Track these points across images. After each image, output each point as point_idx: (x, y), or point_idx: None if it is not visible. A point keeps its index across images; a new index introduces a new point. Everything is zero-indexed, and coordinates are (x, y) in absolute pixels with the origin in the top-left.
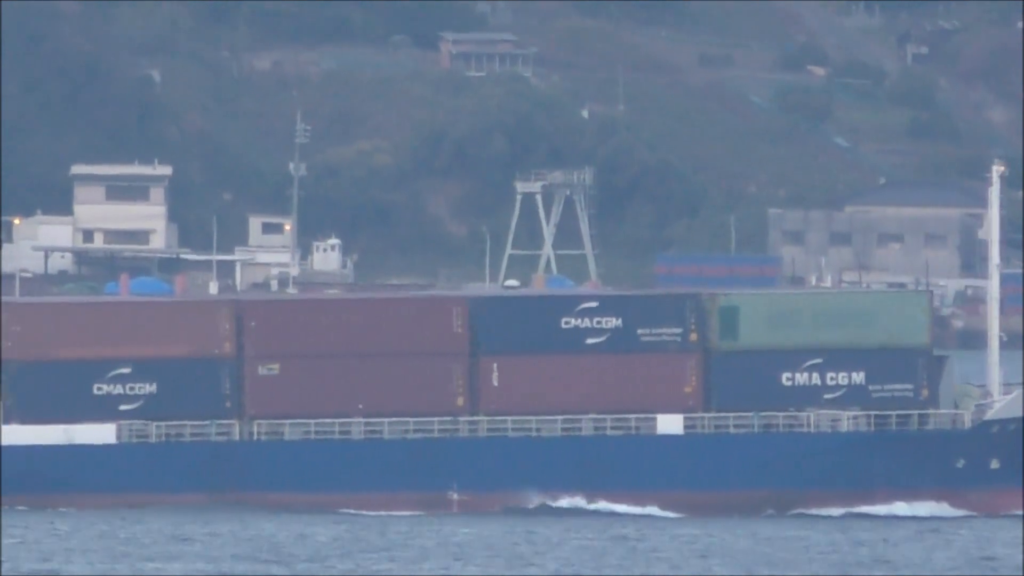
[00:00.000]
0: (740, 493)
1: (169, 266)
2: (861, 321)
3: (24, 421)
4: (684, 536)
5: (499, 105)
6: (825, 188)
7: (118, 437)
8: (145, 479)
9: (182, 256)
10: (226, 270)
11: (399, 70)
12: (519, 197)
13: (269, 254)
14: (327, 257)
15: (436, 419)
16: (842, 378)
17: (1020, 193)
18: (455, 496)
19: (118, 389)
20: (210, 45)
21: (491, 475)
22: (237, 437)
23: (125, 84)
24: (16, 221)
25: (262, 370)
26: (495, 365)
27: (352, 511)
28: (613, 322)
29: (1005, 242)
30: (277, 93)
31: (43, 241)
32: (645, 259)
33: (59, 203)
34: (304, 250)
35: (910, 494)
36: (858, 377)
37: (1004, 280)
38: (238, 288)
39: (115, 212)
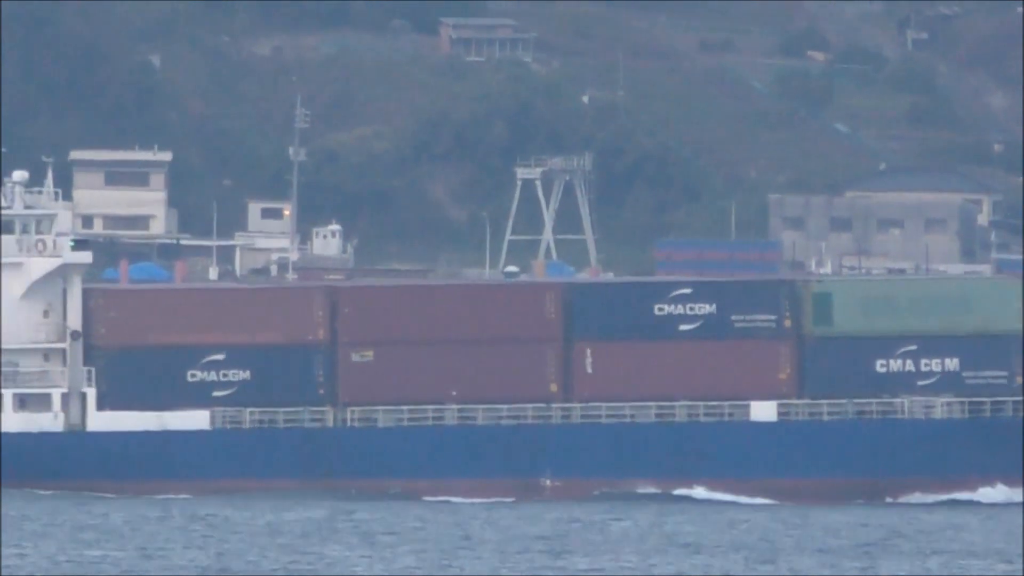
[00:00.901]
0: (833, 480)
1: (169, 252)
2: (955, 308)
3: (117, 408)
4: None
5: (499, 90)
6: (825, 173)
7: (212, 423)
8: (238, 465)
9: (182, 242)
10: (226, 255)
11: (399, 55)
12: (519, 182)
13: (269, 239)
14: (327, 242)
15: (529, 405)
16: (936, 365)
17: (1020, 179)
18: (548, 482)
19: (212, 376)
20: (210, 30)
21: (584, 461)
22: (330, 424)
23: (125, 69)
24: None
25: (355, 357)
26: (589, 351)
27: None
28: (706, 308)
29: (1005, 228)
30: (277, 78)
31: None
32: (645, 244)
33: (59, 188)
34: (304, 235)
35: (1006, 481)
36: (952, 364)
37: (1003, 266)
38: (237, 274)
39: (114, 198)
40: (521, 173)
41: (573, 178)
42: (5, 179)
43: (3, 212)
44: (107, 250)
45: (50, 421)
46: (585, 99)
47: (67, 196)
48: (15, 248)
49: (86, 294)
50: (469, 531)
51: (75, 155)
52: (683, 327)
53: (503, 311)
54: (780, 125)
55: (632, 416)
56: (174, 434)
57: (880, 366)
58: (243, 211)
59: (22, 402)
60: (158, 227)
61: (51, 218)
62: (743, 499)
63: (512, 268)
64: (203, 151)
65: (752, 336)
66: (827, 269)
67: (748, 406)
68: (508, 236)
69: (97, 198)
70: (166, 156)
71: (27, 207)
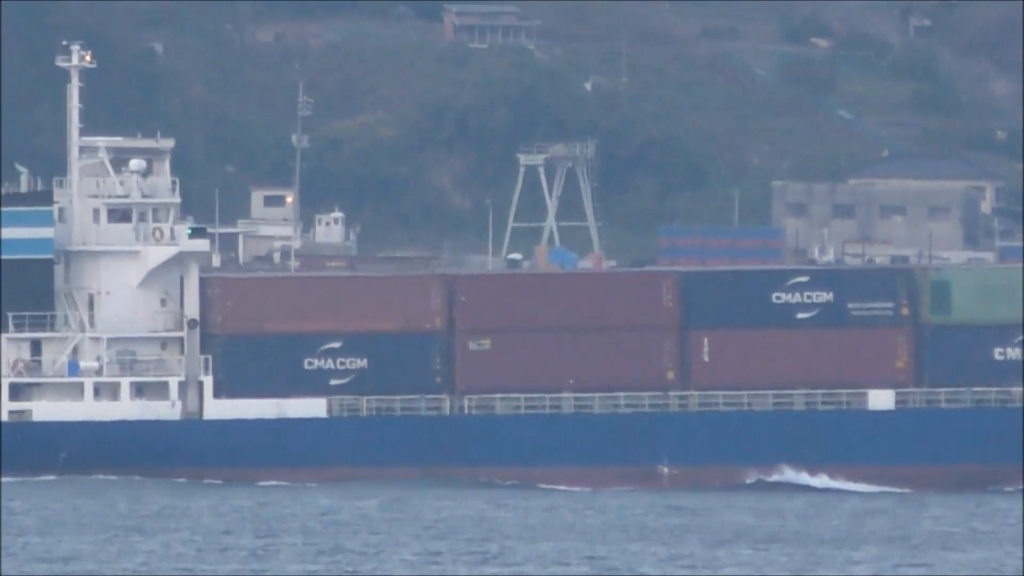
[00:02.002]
0: (951, 468)
1: None
2: None
3: (233, 396)
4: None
5: (502, 77)
6: (828, 160)
7: (329, 411)
8: (355, 453)
9: None
10: (228, 243)
11: (402, 42)
12: (522, 170)
13: (271, 227)
14: (329, 230)
15: (646, 394)
16: None
17: (1022, 165)
18: (665, 470)
19: (329, 364)
20: (213, 17)
21: (701, 449)
22: (447, 412)
23: (128, 56)
24: None
25: (473, 345)
26: (705, 340)
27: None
28: (824, 296)
29: (1008, 215)
30: (280, 65)
31: None
32: (648, 231)
33: (61, 175)
34: (306, 223)
35: None
36: None
37: (1007, 253)
38: (240, 260)
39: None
40: (524, 160)
41: (576, 165)
42: (123, 168)
43: (120, 201)
44: None
45: (167, 409)
46: (588, 86)
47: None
48: (132, 237)
49: (203, 282)
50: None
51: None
52: (800, 315)
53: (620, 299)
54: (783, 112)
55: (749, 404)
56: (291, 422)
57: (998, 354)
58: (246, 198)
59: (139, 390)
60: None
61: (168, 207)
62: (860, 487)
63: (515, 255)
64: (206, 138)
65: (870, 324)
66: (830, 256)
67: (866, 394)
68: (511, 223)
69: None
70: (169, 143)
71: (144, 196)
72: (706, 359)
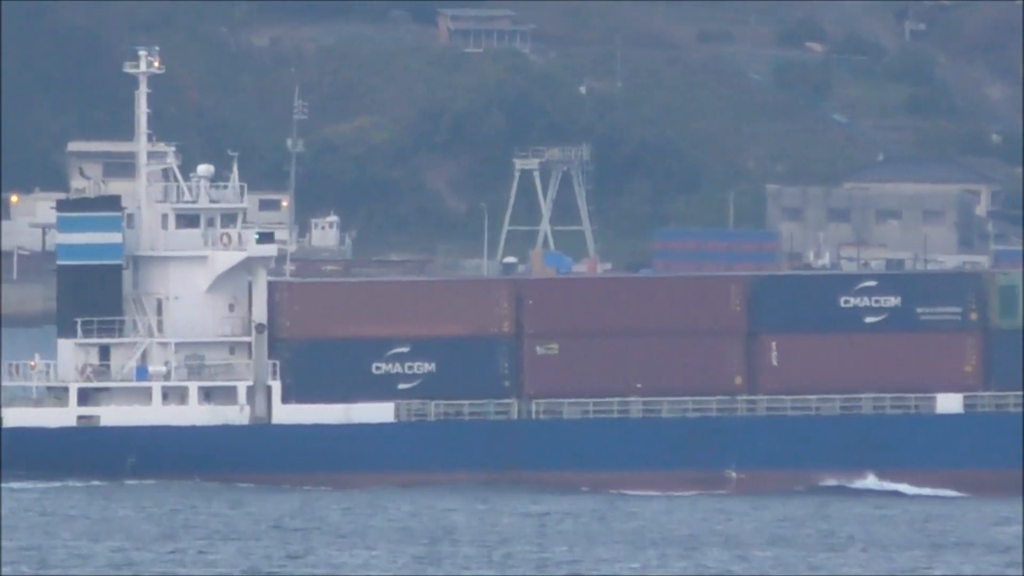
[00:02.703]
0: (1019, 472)
1: None
2: None
3: (302, 400)
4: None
5: (497, 81)
6: (823, 164)
7: (396, 416)
8: (423, 458)
9: None
10: None
11: (397, 46)
12: (517, 173)
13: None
14: (325, 234)
15: (714, 398)
16: None
17: (1019, 169)
18: (733, 475)
19: (397, 368)
20: (208, 21)
21: (769, 454)
22: (515, 416)
23: (123, 61)
24: (13, 199)
25: (540, 349)
26: (773, 344)
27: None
28: (892, 301)
29: (1003, 218)
30: (275, 69)
31: (41, 218)
32: (643, 235)
33: (57, 180)
34: (302, 227)
35: None
36: None
37: (1002, 256)
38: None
39: (112, 189)
40: (519, 164)
41: (571, 168)
42: (191, 174)
43: (189, 206)
44: None
45: (235, 414)
46: (583, 90)
47: (65, 188)
48: (200, 242)
49: (271, 287)
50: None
51: (72, 147)
52: (869, 319)
53: (688, 304)
54: (778, 116)
55: (817, 408)
56: (359, 427)
57: None
58: None
59: (207, 395)
60: None
61: (236, 212)
62: (930, 491)
63: (510, 259)
64: (201, 142)
65: (938, 329)
66: (825, 260)
67: (934, 398)
68: (506, 227)
69: (94, 190)
70: (164, 148)
71: (212, 201)
72: (774, 363)
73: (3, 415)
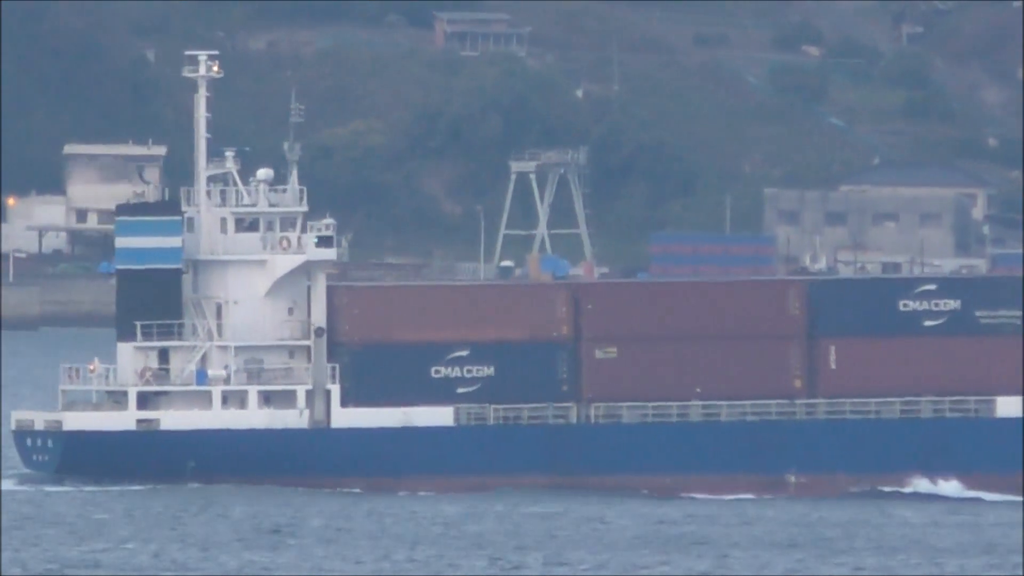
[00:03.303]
0: None
1: None
2: None
3: (361, 404)
4: None
5: (494, 85)
6: (820, 168)
7: (456, 420)
8: (483, 462)
9: None
10: None
11: (394, 50)
12: (513, 177)
13: None
14: None
15: (773, 402)
16: None
17: (1016, 172)
18: (792, 479)
19: (456, 372)
20: (205, 24)
21: (829, 458)
22: (574, 420)
23: (120, 63)
24: (10, 201)
25: (599, 353)
26: (832, 348)
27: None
28: (951, 304)
29: (999, 222)
30: (271, 73)
31: (37, 221)
32: (640, 238)
33: (53, 183)
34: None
35: None
36: None
37: (998, 260)
38: None
39: (109, 192)
40: (515, 167)
41: (568, 172)
42: (250, 178)
43: (248, 210)
44: (101, 244)
45: (295, 418)
46: (579, 93)
47: (62, 191)
48: (259, 246)
49: (330, 291)
50: None
51: (69, 150)
52: (928, 323)
53: (746, 307)
54: (775, 120)
55: (877, 412)
56: (418, 431)
57: None
58: None
59: (267, 399)
60: None
61: (295, 216)
62: (989, 495)
63: (507, 263)
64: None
65: (997, 332)
66: (822, 264)
67: (994, 401)
68: (503, 230)
69: (91, 193)
70: (160, 150)
71: (271, 205)
72: (833, 367)
73: (63, 419)
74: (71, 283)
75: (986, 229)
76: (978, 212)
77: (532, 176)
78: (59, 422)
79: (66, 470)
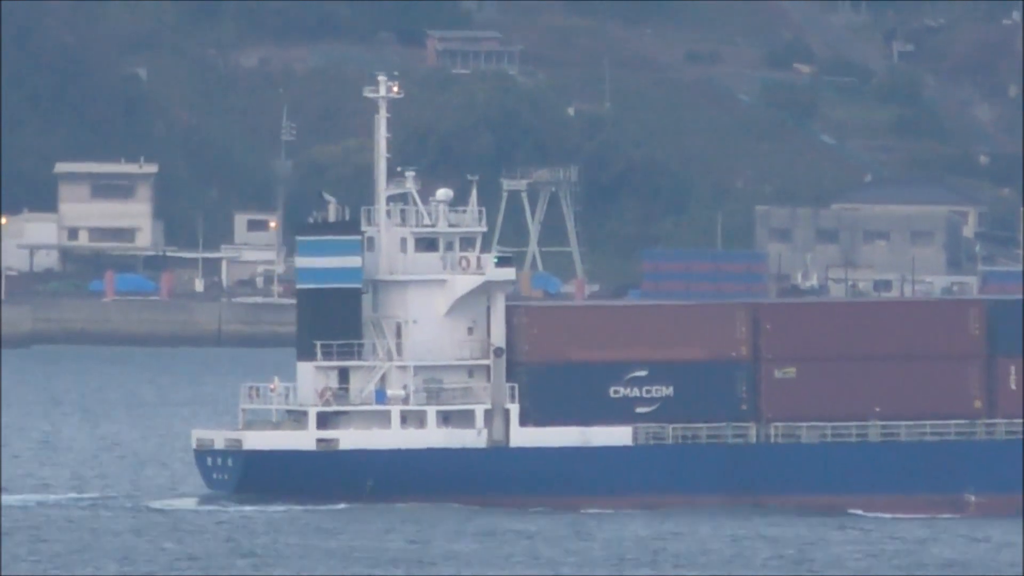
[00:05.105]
0: None
1: (155, 264)
2: None
3: (539, 423)
4: None
5: (485, 102)
6: (811, 185)
7: (634, 439)
8: (662, 481)
9: (168, 254)
10: (212, 268)
11: (385, 67)
12: (505, 194)
13: (255, 251)
14: None
15: (953, 422)
16: None
17: (1006, 190)
18: (972, 498)
19: (635, 392)
20: (196, 42)
21: (1009, 478)
22: (753, 440)
23: (112, 81)
24: (2, 220)
25: (778, 373)
26: (1012, 368)
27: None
28: None
29: (991, 239)
30: (263, 90)
31: (29, 239)
32: (631, 255)
33: (45, 201)
34: (290, 247)
35: None
36: None
37: (991, 278)
38: (224, 285)
39: (100, 210)
40: (507, 184)
41: (559, 189)
42: (430, 198)
43: (428, 230)
44: (93, 262)
45: (473, 437)
46: (571, 111)
47: (53, 208)
48: (439, 266)
49: (509, 311)
50: None
51: (60, 167)
52: None
53: (926, 327)
54: (766, 137)
55: None
56: (597, 450)
57: None
58: (229, 223)
59: (446, 418)
60: (144, 239)
61: (475, 236)
62: None
63: None
64: (189, 163)
65: None
66: (813, 281)
67: None
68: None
69: (83, 210)
70: (152, 168)
71: (451, 225)
72: (1012, 387)
73: (243, 438)
74: (63, 301)
75: (978, 247)
76: (969, 230)
77: (523, 194)
78: (239, 441)
79: (245, 489)
